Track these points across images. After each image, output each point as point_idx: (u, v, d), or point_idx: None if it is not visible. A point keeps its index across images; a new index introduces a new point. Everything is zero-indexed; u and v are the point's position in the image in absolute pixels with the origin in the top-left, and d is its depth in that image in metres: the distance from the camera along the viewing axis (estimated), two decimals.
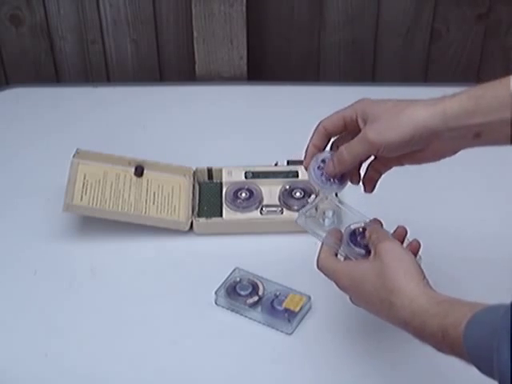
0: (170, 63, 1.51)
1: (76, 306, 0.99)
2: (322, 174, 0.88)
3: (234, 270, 1.00)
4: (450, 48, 1.50)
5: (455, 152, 0.84)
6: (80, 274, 1.03)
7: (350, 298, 0.85)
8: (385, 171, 0.89)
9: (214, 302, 0.98)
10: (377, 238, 0.83)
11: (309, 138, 0.89)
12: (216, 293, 0.97)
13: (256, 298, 0.97)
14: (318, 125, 0.89)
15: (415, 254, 0.84)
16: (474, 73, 1.53)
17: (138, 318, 0.97)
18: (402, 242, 0.85)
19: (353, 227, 0.89)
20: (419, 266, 0.80)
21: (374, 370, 0.90)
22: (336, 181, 0.88)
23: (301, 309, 0.95)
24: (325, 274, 0.86)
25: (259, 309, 0.96)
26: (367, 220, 0.89)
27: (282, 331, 0.94)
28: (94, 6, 1.44)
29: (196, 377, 0.90)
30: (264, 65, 1.51)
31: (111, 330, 0.96)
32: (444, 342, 0.71)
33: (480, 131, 0.80)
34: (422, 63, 1.53)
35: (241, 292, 0.97)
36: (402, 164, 0.87)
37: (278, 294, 0.97)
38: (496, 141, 0.81)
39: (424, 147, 0.82)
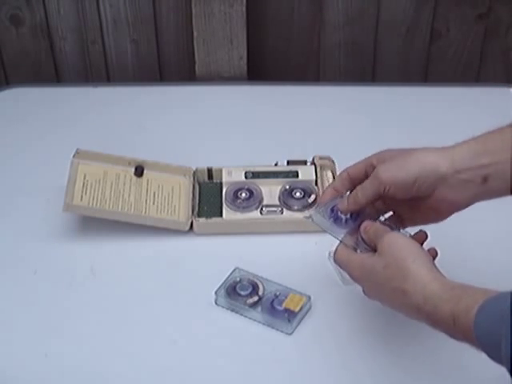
0: (169, 63, 1.51)
1: (76, 305, 0.99)
2: (332, 217, 0.89)
3: (234, 270, 1.00)
4: (449, 48, 1.50)
5: (464, 203, 0.85)
6: (80, 274, 1.03)
7: (363, 290, 0.85)
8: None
9: (214, 302, 0.98)
10: (374, 233, 0.84)
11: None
12: (216, 293, 0.97)
13: (256, 298, 0.97)
14: (342, 171, 0.92)
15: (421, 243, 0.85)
16: (474, 73, 1.53)
17: (138, 317, 0.97)
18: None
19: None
20: (425, 251, 0.81)
21: (374, 369, 0.90)
22: (345, 221, 0.89)
23: (301, 309, 0.95)
24: (340, 266, 0.86)
25: (259, 309, 0.96)
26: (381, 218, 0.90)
27: (281, 331, 0.94)
28: (94, 6, 1.44)
29: (196, 377, 0.90)
30: (264, 65, 1.51)
31: (111, 329, 0.96)
32: (455, 328, 0.71)
33: (487, 174, 0.81)
34: (421, 63, 1.53)
35: (241, 292, 0.97)
36: (415, 222, 0.89)
37: (278, 293, 0.97)
38: (505, 184, 0.82)
39: (430, 192, 0.84)
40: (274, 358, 0.92)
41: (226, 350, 0.93)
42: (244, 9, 1.38)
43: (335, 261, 0.86)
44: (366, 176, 0.89)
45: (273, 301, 0.96)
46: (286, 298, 0.96)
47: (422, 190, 0.84)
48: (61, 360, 0.92)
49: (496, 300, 0.68)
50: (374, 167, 0.88)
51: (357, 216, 0.89)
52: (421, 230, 0.87)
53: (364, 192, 0.87)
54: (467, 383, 0.87)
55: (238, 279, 0.99)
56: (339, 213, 0.89)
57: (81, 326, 0.96)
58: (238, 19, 1.39)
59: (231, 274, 1.00)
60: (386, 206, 0.90)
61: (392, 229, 0.86)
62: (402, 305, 0.79)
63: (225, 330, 0.95)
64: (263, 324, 0.95)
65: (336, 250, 0.87)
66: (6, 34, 1.47)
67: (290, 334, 0.94)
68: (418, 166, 0.83)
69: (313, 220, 0.90)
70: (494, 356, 0.66)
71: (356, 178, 0.90)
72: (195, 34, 1.41)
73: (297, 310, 0.95)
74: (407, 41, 1.50)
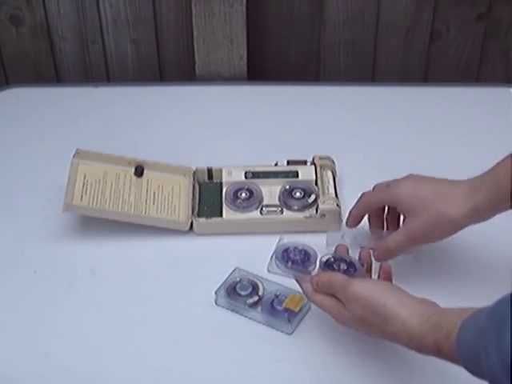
0: (170, 63, 1.51)
1: (76, 305, 0.99)
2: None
3: (234, 270, 1.00)
4: (449, 48, 1.50)
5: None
6: (80, 274, 1.03)
7: None
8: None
9: (214, 302, 0.98)
10: (328, 285, 0.87)
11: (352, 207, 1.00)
12: (216, 293, 0.97)
13: (256, 298, 0.97)
14: (360, 198, 0.99)
15: (389, 279, 0.89)
16: (474, 73, 1.53)
17: (138, 317, 0.97)
18: (390, 280, 0.89)
19: (324, 259, 0.94)
20: (389, 283, 0.86)
21: (374, 369, 0.90)
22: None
23: (301, 309, 0.95)
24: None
25: (259, 309, 0.96)
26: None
27: (282, 331, 0.94)
28: (94, 6, 1.44)
29: (196, 377, 0.90)
30: (264, 65, 1.51)
31: (111, 329, 0.96)
32: (441, 355, 0.74)
33: (506, 209, 0.89)
34: (422, 63, 1.53)
35: (241, 292, 0.97)
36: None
37: (278, 293, 0.97)
38: None
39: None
40: (274, 358, 0.92)
41: (226, 350, 0.93)
42: (244, 9, 1.38)
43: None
44: (383, 209, 0.98)
45: (273, 301, 0.96)
46: (285, 298, 0.96)
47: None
48: (61, 360, 0.92)
49: (472, 319, 0.69)
50: (393, 208, 0.96)
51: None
52: (384, 265, 0.91)
53: (397, 247, 0.93)
54: (467, 383, 0.87)
55: (237, 279, 0.99)
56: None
57: (81, 325, 0.96)
58: (238, 19, 1.39)
59: (231, 274, 1.00)
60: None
61: (349, 272, 0.91)
62: (394, 342, 0.82)
63: (225, 330, 0.95)
64: (263, 324, 0.95)
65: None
66: (5, 33, 1.47)
67: (290, 334, 0.94)
68: (450, 228, 0.91)
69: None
70: (477, 372, 0.67)
71: (372, 210, 0.99)
72: (195, 33, 1.41)
73: (297, 310, 0.94)
74: (407, 41, 1.50)
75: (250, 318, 0.96)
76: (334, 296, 0.86)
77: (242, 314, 0.97)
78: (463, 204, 0.88)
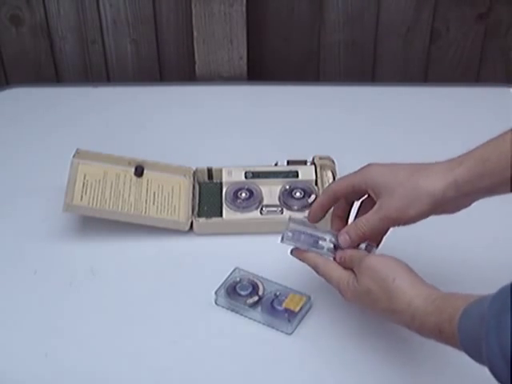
0: (170, 63, 1.51)
1: (76, 305, 0.99)
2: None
3: (234, 270, 1.00)
4: (450, 48, 1.50)
5: (469, 205, 0.87)
6: (80, 274, 1.03)
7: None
8: None
9: (214, 302, 0.98)
10: (350, 261, 0.87)
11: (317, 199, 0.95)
12: (216, 293, 0.97)
13: (256, 298, 0.97)
14: (328, 187, 0.94)
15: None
16: (474, 73, 1.53)
17: (138, 317, 0.97)
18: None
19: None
20: (404, 263, 0.84)
21: (374, 369, 0.90)
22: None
23: (301, 309, 0.95)
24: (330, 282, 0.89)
25: (259, 309, 0.96)
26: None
27: (282, 331, 0.94)
28: (94, 6, 1.44)
29: (196, 377, 0.90)
30: (264, 65, 1.51)
31: (111, 329, 0.96)
32: (442, 338, 0.74)
33: (490, 189, 0.83)
34: (421, 63, 1.53)
35: (241, 292, 0.97)
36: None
37: (278, 293, 0.97)
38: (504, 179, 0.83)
39: (439, 212, 0.86)
40: (274, 358, 0.92)
41: (226, 350, 0.93)
42: (244, 9, 1.38)
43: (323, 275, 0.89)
44: (353, 194, 0.91)
45: (273, 301, 0.96)
46: (285, 298, 0.96)
47: (431, 215, 0.86)
48: (61, 360, 0.92)
49: (475, 305, 0.70)
50: (363, 190, 0.89)
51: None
52: None
53: (371, 227, 0.87)
54: (468, 382, 0.87)
55: (237, 279, 0.99)
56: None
57: (81, 326, 0.96)
58: (238, 19, 1.39)
59: (231, 274, 1.00)
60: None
61: (368, 249, 0.89)
62: (394, 321, 0.82)
63: (225, 330, 0.95)
64: (263, 324, 0.95)
65: (325, 267, 0.89)
66: (5, 33, 1.47)
67: (290, 334, 0.94)
68: (429, 199, 0.84)
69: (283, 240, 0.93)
70: (478, 358, 0.67)
71: (340, 196, 0.92)
72: (195, 34, 1.41)
73: (297, 310, 0.94)
74: (407, 41, 1.50)
75: (250, 318, 0.96)
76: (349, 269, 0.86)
77: (242, 314, 0.97)
78: (442, 177, 0.83)
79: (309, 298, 0.96)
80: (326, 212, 0.94)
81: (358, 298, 0.85)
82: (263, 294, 0.97)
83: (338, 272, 0.87)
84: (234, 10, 1.38)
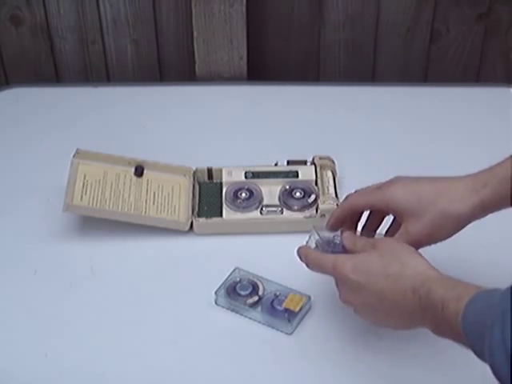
0: (170, 63, 1.51)
1: (76, 305, 0.99)
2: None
3: (234, 270, 1.00)
4: (450, 48, 1.50)
5: None
6: (80, 274, 1.03)
7: (355, 310, 0.86)
8: None
9: (214, 302, 0.98)
10: (364, 243, 0.85)
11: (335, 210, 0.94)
12: (216, 293, 0.97)
13: (256, 298, 0.97)
14: (345, 200, 0.92)
15: None
16: (474, 73, 1.53)
17: (138, 318, 0.97)
18: None
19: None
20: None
21: (374, 369, 0.90)
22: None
23: (301, 309, 0.95)
24: (322, 271, 0.87)
25: (259, 309, 0.96)
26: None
27: (281, 331, 0.94)
28: (94, 6, 1.44)
29: (196, 377, 0.90)
30: (264, 65, 1.51)
31: (111, 329, 0.96)
32: (443, 315, 0.72)
33: None
34: (422, 63, 1.53)
35: (241, 292, 0.97)
36: None
37: (277, 293, 0.97)
38: None
39: None
40: (274, 358, 0.92)
41: (226, 350, 0.93)
42: (244, 9, 1.38)
43: (316, 266, 0.87)
44: (371, 210, 0.92)
45: (273, 301, 0.96)
46: (285, 298, 0.96)
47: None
48: (61, 360, 0.92)
49: (487, 294, 0.69)
50: (384, 211, 0.89)
51: None
52: None
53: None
54: (468, 382, 0.87)
55: (237, 279, 0.99)
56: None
57: (81, 326, 0.96)
58: (238, 19, 1.39)
59: (231, 274, 1.00)
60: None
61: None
62: (395, 289, 0.78)
63: (225, 330, 0.95)
64: (263, 324, 0.95)
65: (314, 258, 0.88)
66: (5, 33, 1.47)
67: (290, 334, 0.94)
68: (456, 225, 0.85)
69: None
70: (477, 349, 0.66)
71: (358, 213, 0.92)
72: (195, 34, 1.41)
73: (297, 310, 0.94)
74: (407, 41, 1.49)
75: (250, 318, 0.96)
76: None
77: (242, 314, 0.97)
78: (469, 199, 0.84)
79: (309, 298, 0.96)
80: (343, 223, 0.92)
81: (360, 267, 0.81)
82: (263, 293, 0.97)
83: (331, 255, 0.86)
84: (234, 10, 1.37)
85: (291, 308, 0.95)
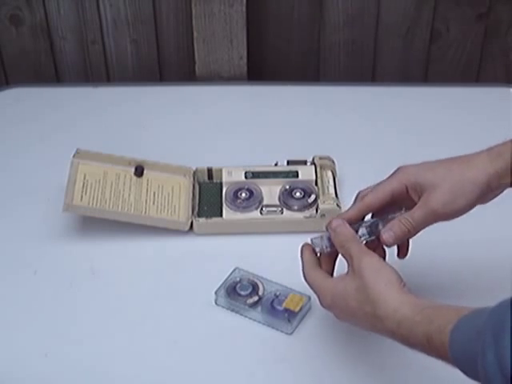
0: (170, 63, 1.51)
1: (76, 305, 0.99)
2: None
3: (234, 270, 1.00)
4: (450, 48, 1.50)
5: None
6: (80, 274, 1.03)
7: (335, 315, 0.85)
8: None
9: (214, 302, 0.98)
10: (349, 249, 0.83)
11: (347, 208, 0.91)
12: (216, 293, 0.97)
13: (256, 298, 0.97)
14: (357, 196, 0.90)
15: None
16: (474, 73, 1.53)
17: (138, 317, 0.97)
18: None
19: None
20: (397, 272, 0.80)
21: (374, 369, 0.90)
22: None
23: (301, 309, 0.95)
24: (311, 288, 0.86)
25: (259, 309, 0.96)
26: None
27: (281, 331, 0.94)
28: (94, 5, 1.44)
29: (196, 377, 0.90)
30: (264, 65, 1.51)
31: (111, 329, 0.96)
32: (430, 348, 0.71)
33: None
34: (421, 63, 1.53)
35: (241, 292, 0.97)
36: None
37: (278, 293, 0.97)
38: None
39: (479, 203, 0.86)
40: (274, 358, 0.92)
41: (226, 350, 0.93)
42: (244, 9, 1.38)
43: (306, 282, 0.86)
44: (392, 202, 0.88)
45: (273, 301, 0.96)
46: (285, 298, 0.96)
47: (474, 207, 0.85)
48: (61, 360, 0.92)
49: (470, 318, 0.68)
50: (404, 194, 0.86)
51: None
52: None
53: (416, 223, 0.85)
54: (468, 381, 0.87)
55: (237, 279, 0.99)
56: None
57: (81, 325, 0.96)
58: (238, 19, 1.39)
59: (231, 274, 1.00)
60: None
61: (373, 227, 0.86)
62: (376, 329, 0.79)
63: (225, 330, 0.95)
64: (263, 324, 0.95)
65: (307, 272, 0.86)
66: (5, 33, 1.47)
67: (290, 334, 0.94)
68: (475, 190, 0.83)
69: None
70: (471, 374, 0.65)
71: (377, 208, 0.89)
72: (195, 34, 1.41)
73: (297, 310, 0.95)
74: (407, 41, 1.50)
75: (250, 318, 0.96)
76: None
77: (242, 314, 0.97)
78: (484, 169, 0.83)
79: (309, 298, 0.96)
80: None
81: (338, 303, 0.82)
82: (263, 293, 0.97)
83: (322, 278, 0.85)
84: (234, 10, 1.38)
85: (291, 308, 0.95)
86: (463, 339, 0.67)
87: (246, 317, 0.96)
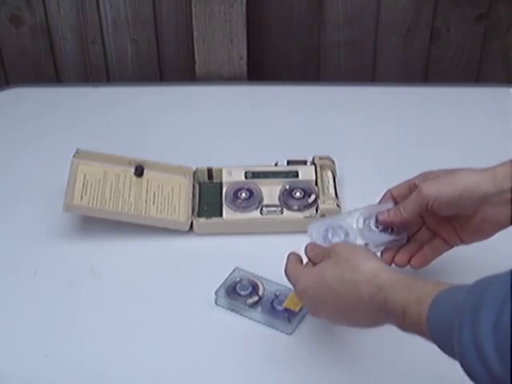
0: (170, 63, 1.51)
1: (76, 305, 0.99)
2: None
3: (234, 270, 1.00)
4: (450, 48, 1.50)
5: (507, 222, 0.88)
6: (80, 274, 1.03)
7: (308, 311, 0.88)
8: (436, 253, 0.95)
9: (214, 302, 0.98)
10: (322, 249, 0.87)
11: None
12: (216, 293, 0.97)
13: (256, 298, 0.97)
14: (386, 192, 0.95)
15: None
16: (474, 73, 1.53)
17: (138, 317, 0.97)
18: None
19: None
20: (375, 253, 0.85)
21: (374, 369, 0.90)
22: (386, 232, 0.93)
23: (301, 309, 0.95)
24: (289, 281, 0.89)
25: (259, 309, 0.96)
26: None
27: (282, 331, 0.94)
28: (94, 6, 1.44)
29: (196, 377, 0.90)
30: (264, 65, 1.51)
31: (111, 329, 0.96)
32: (404, 319, 0.71)
33: None
34: (422, 63, 1.53)
35: (241, 292, 0.97)
36: (456, 242, 0.93)
37: (277, 294, 0.97)
38: None
39: (474, 211, 0.87)
40: (274, 358, 0.92)
41: (226, 350, 0.93)
42: (244, 9, 1.38)
43: (286, 275, 0.89)
44: (410, 194, 0.91)
45: (273, 301, 0.96)
46: (286, 298, 0.96)
47: (466, 207, 0.87)
48: (61, 360, 0.92)
49: (450, 293, 0.67)
50: (417, 187, 0.90)
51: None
52: None
53: (406, 206, 0.90)
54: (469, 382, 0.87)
55: (237, 279, 0.99)
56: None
57: (81, 325, 0.96)
58: (238, 19, 1.39)
59: (231, 274, 1.00)
60: (429, 229, 0.94)
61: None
62: (353, 298, 0.78)
63: (225, 330, 0.95)
64: (263, 324, 0.95)
65: (288, 267, 0.89)
66: (5, 33, 1.47)
67: (290, 334, 0.94)
68: (463, 182, 0.86)
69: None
70: (446, 349, 0.65)
71: (398, 197, 0.93)
72: (195, 34, 1.41)
73: (297, 310, 0.94)
74: (407, 41, 1.50)
75: (250, 318, 0.96)
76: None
77: (242, 314, 0.97)
78: (480, 171, 0.87)
79: None
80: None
81: (316, 280, 0.82)
82: (263, 293, 0.97)
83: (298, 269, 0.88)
84: (234, 10, 1.38)
85: (291, 308, 0.95)
86: (442, 314, 0.66)
87: (245, 317, 0.96)
